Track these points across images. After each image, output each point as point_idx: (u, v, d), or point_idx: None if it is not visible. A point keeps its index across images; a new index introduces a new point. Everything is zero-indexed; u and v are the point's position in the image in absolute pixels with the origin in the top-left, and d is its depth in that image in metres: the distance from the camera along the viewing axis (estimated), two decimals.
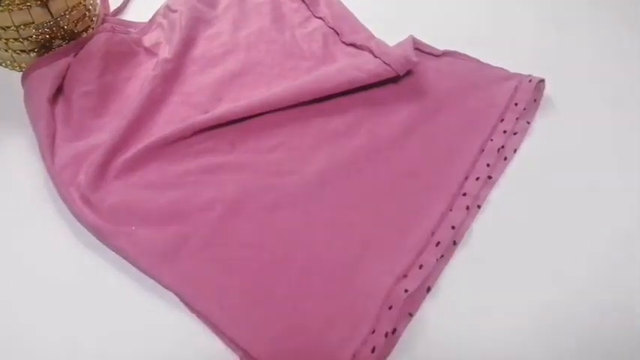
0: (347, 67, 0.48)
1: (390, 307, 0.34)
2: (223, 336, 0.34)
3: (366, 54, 0.51)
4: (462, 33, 0.55)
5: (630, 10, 0.59)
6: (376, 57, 0.49)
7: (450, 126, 0.45)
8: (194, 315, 0.35)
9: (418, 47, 0.51)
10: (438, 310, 0.36)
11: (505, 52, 0.51)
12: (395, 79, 0.48)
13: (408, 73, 0.49)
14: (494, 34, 0.55)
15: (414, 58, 0.47)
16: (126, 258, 0.37)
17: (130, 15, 0.57)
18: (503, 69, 0.50)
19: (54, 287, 0.36)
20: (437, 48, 0.52)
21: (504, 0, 0.60)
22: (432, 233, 0.39)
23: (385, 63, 0.47)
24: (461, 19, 0.58)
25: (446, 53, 0.52)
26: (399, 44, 0.51)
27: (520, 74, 0.49)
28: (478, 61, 0.51)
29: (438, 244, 0.38)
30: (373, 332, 0.34)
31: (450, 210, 0.40)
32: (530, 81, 0.48)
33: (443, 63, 0.51)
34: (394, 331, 0.34)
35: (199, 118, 0.44)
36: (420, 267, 0.37)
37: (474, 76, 0.50)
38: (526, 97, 0.47)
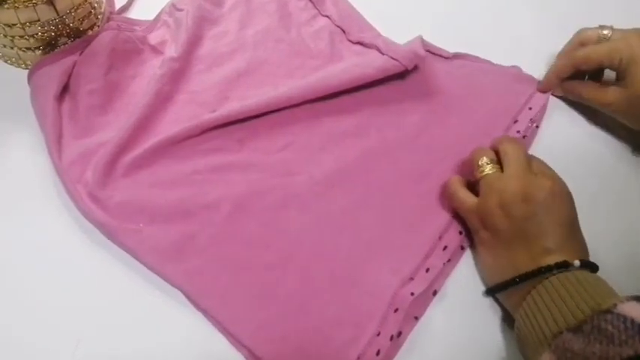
0: (354, 64, 0.49)
1: (396, 310, 0.35)
2: (228, 334, 0.35)
3: (374, 52, 0.51)
4: (462, 33, 0.55)
5: (632, 9, 0.59)
6: (383, 54, 0.49)
7: (460, 129, 0.46)
8: (200, 313, 0.36)
9: (428, 49, 0.52)
10: (444, 314, 0.36)
11: (506, 53, 0.52)
12: (404, 79, 0.48)
13: (418, 73, 0.49)
14: (495, 34, 0.56)
15: (422, 53, 0.48)
16: (133, 255, 0.38)
17: (135, 13, 0.57)
18: (516, 67, 0.50)
19: (60, 283, 0.37)
20: (447, 50, 0.52)
21: (505, 1, 0.60)
22: (440, 237, 0.39)
23: (393, 58, 0.47)
24: (461, 19, 0.58)
25: (456, 55, 0.52)
26: (407, 43, 0.51)
27: (532, 76, 0.50)
28: (489, 62, 0.52)
29: (445, 248, 0.39)
30: (378, 335, 0.34)
31: (458, 215, 0.40)
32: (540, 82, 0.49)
33: (454, 65, 0.52)
34: (399, 334, 0.35)
35: (207, 116, 0.44)
36: (427, 270, 0.37)
37: (485, 79, 0.50)
38: (540, 102, 0.48)
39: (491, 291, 0.37)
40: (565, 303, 0.31)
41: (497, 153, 0.39)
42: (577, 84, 0.47)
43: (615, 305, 0.29)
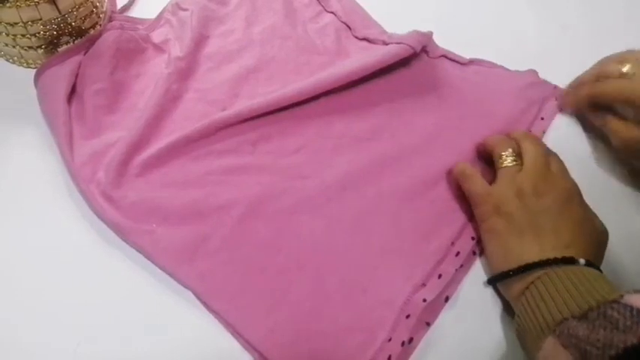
0: (363, 55, 0.49)
1: (408, 316, 0.35)
2: (239, 337, 0.35)
3: (380, 46, 0.51)
4: (462, 33, 0.54)
5: (633, 9, 0.58)
6: (388, 44, 0.49)
7: (474, 135, 0.45)
8: (212, 314, 0.36)
9: (444, 55, 0.52)
10: (455, 320, 0.36)
11: (507, 53, 0.51)
12: (418, 83, 0.48)
13: (433, 77, 0.49)
14: (496, 34, 0.55)
15: (428, 33, 0.48)
16: (146, 256, 0.38)
17: (136, 12, 0.57)
18: (532, 71, 0.50)
19: (72, 283, 0.37)
20: (463, 56, 0.52)
21: (507, 0, 0.60)
22: (452, 243, 0.39)
23: (399, 43, 0.47)
24: (462, 19, 0.58)
25: (472, 62, 0.52)
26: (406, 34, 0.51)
27: (546, 82, 0.50)
28: (504, 68, 0.51)
29: (457, 254, 0.39)
30: (389, 340, 0.34)
31: (471, 221, 0.40)
32: (555, 88, 0.49)
33: (469, 71, 0.51)
34: (411, 340, 0.35)
35: (218, 115, 0.44)
36: (439, 276, 0.37)
37: (500, 85, 0.50)
38: (552, 112, 0.48)
39: (494, 279, 0.37)
40: (570, 294, 0.31)
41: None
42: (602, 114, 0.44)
43: (622, 296, 0.29)
